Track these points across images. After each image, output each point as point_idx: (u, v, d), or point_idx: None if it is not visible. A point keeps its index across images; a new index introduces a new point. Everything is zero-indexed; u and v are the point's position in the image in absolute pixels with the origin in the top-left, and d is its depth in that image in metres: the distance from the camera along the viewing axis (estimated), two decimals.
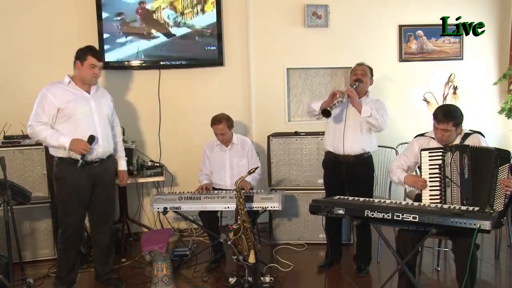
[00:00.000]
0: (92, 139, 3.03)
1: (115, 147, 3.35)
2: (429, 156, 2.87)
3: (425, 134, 3.08)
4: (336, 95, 3.28)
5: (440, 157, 2.83)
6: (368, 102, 3.40)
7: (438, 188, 2.82)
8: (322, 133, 3.89)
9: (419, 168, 2.98)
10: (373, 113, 3.29)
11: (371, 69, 3.50)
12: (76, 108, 3.06)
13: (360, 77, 3.40)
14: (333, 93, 3.32)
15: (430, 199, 2.83)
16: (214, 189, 3.79)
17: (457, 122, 2.83)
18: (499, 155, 2.70)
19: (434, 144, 2.94)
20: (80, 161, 2.99)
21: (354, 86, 3.36)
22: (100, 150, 3.13)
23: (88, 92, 3.17)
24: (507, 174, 2.67)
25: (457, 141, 2.90)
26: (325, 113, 3.24)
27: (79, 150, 2.98)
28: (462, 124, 2.88)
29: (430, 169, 2.86)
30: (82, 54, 3.11)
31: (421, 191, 2.89)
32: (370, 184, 3.51)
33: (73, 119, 3.05)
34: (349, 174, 3.41)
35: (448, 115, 2.81)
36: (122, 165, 3.46)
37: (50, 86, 3.09)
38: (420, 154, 2.91)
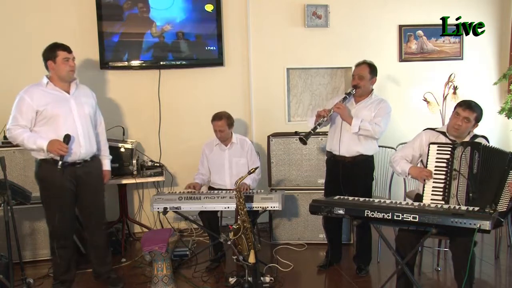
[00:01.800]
0: (68, 138, 2.95)
1: (98, 146, 3.27)
2: (437, 150, 2.88)
3: (436, 129, 3.07)
4: (320, 116, 3.25)
5: (449, 152, 2.83)
6: (370, 104, 3.37)
7: (442, 181, 2.82)
8: (322, 133, 3.89)
9: (422, 162, 2.98)
10: (362, 126, 3.24)
11: (372, 66, 3.37)
12: (55, 110, 2.98)
13: (357, 82, 3.34)
14: (317, 114, 3.29)
15: (433, 191, 2.84)
16: (214, 189, 3.80)
17: (478, 117, 2.89)
18: None
19: (443, 139, 2.96)
20: (59, 162, 2.91)
21: (347, 99, 3.31)
22: (83, 151, 3.07)
23: (68, 92, 3.08)
24: None
25: (467, 140, 2.92)
26: (301, 140, 3.23)
27: (56, 151, 2.91)
28: (479, 124, 2.93)
29: (436, 162, 2.86)
30: (51, 52, 3.04)
31: (423, 185, 2.89)
32: (367, 186, 3.48)
33: (53, 120, 2.98)
34: (345, 174, 3.38)
35: (474, 106, 2.89)
36: (106, 165, 3.36)
37: (28, 89, 3.02)
38: (428, 147, 2.91)
